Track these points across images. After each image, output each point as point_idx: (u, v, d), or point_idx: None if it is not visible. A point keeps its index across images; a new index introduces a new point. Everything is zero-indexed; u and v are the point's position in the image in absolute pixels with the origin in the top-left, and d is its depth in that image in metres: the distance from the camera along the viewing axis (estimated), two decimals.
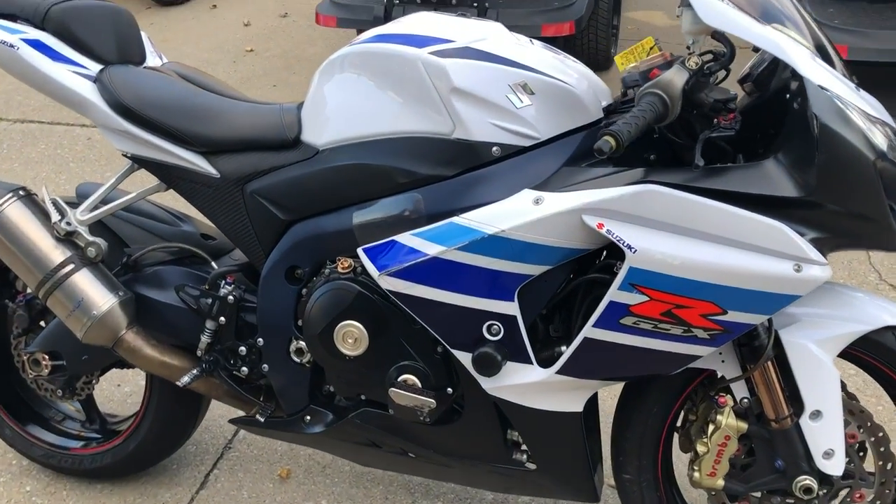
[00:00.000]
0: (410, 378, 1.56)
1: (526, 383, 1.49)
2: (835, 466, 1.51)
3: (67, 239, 1.71)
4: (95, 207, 1.74)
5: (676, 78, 1.31)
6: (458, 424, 1.60)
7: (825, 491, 1.55)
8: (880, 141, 1.32)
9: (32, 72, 1.69)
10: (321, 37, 5.18)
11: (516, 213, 1.39)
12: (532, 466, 1.61)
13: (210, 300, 1.71)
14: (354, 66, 1.56)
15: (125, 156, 1.74)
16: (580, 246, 1.40)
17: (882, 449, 1.56)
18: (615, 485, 1.71)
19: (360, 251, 1.54)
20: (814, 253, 1.33)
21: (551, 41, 4.15)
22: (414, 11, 1.56)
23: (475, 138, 1.45)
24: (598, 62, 4.23)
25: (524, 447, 1.60)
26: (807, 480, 1.52)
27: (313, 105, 1.63)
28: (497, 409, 1.56)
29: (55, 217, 1.70)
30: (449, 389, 1.57)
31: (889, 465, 1.57)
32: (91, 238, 1.70)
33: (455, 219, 1.44)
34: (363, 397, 1.67)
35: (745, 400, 1.55)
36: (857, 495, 1.57)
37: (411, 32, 1.53)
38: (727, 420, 1.52)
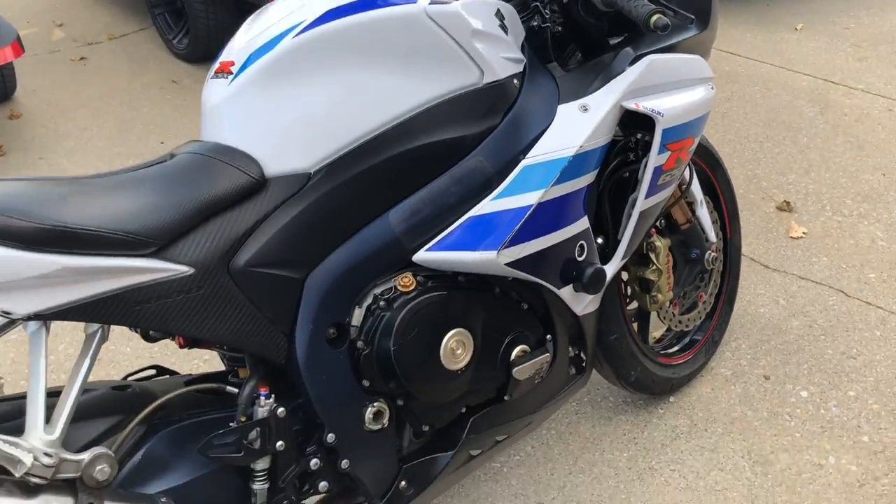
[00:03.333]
0: (522, 348, 1.46)
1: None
2: (712, 233, 1.99)
3: (55, 482, 1.00)
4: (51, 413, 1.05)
5: None
6: (554, 366, 1.56)
7: (717, 252, 2.02)
8: None
9: None
10: None
11: (578, 127, 1.41)
12: (573, 372, 1.68)
13: (256, 431, 1.23)
14: (326, 52, 1.27)
15: (35, 318, 1.06)
16: (609, 139, 1.50)
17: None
18: (603, 356, 1.87)
19: (424, 254, 1.34)
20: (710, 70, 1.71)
21: None
22: None
23: (501, 76, 1.39)
24: None
25: (581, 356, 1.66)
26: (712, 251, 1.98)
27: (268, 126, 1.27)
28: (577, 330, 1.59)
29: (20, 465, 0.97)
30: (548, 336, 1.52)
31: None
32: (85, 455, 1.03)
33: (526, 161, 1.38)
34: (463, 410, 1.47)
35: (661, 221, 1.89)
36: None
37: None
38: (661, 241, 1.85)
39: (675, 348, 2.09)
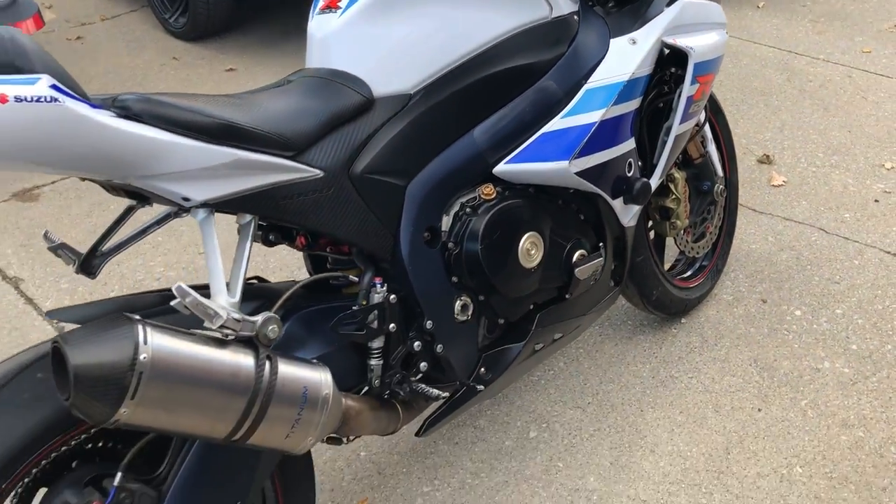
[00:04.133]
0: (581, 252, 1.68)
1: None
2: (720, 168, 2.25)
3: (239, 336, 1.18)
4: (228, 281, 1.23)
5: None
6: (603, 271, 1.79)
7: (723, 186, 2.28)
8: None
9: (84, 131, 1.05)
10: None
11: (629, 57, 1.64)
12: (612, 284, 1.91)
13: (374, 314, 1.43)
14: None
15: (203, 206, 1.24)
16: (651, 70, 1.73)
17: None
18: (629, 276, 2.10)
19: (503, 167, 1.55)
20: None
21: None
22: None
23: (565, 12, 1.60)
24: None
25: (619, 268, 1.89)
26: (720, 184, 2.23)
27: (375, 53, 1.46)
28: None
29: (217, 317, 1.15)
30: (600, 244, 1.75)
31: None
32: (258, 318, 1.21)
33: (588, 86, 1.61)
34: (531, 307, 1.69)
35: (679, 155, 2.13)
36: None
37: None
38: (679, 173, 2.09)
39: (688, 273, 2.34)
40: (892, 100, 3.62)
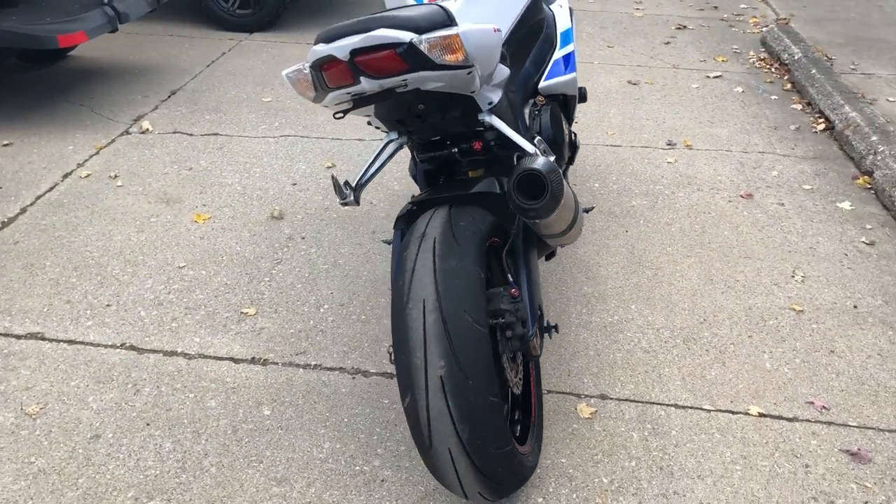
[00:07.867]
0: (573, 133, 2.85)
1: None
2: None
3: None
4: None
5: None
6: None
7: None
8: None
9: (497, 51, 1.93)
10: None
11: (564, 14, 2.85)
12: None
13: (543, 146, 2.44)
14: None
15: (490, 108, 2.14)
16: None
17: None
18: None
19: (543, 83, 2.65)
20: None
21: None
22: None
23: None
24: None
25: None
26: None
27: (485, 21, 2.50)
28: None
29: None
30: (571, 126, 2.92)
31: None
32: (540, 150, 2.17)
33: (558, 31, 2.79)
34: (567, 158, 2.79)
35: None
36: None
37: None
38: None
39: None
40: (606, 74, 5.34)
